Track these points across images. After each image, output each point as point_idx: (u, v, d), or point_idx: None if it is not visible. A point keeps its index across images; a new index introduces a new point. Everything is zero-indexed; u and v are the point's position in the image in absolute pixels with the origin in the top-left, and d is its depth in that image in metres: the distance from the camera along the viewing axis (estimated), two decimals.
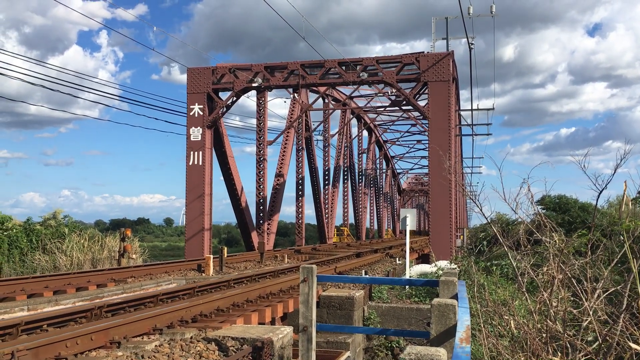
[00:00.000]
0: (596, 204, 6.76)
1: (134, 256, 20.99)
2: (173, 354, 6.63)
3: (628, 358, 5.53)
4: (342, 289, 12.72)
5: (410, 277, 15.98)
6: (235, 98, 26.73)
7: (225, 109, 26.83)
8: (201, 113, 26.02)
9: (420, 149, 59.87)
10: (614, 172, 6.26)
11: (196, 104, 26.10)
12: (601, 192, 6.24)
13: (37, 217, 30.67)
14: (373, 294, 13.67)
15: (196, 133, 25.88)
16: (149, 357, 6.34)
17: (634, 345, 5.14)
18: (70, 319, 8.18)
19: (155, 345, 6.89)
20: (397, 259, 22.60)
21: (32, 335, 6.91)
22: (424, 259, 26.13)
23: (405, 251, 16.55)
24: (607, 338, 5.75)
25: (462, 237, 35.32)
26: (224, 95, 26.83)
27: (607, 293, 6.28)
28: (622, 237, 6.30)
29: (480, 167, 74.19)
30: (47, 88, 21.02)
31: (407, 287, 13.93)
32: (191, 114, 26.12)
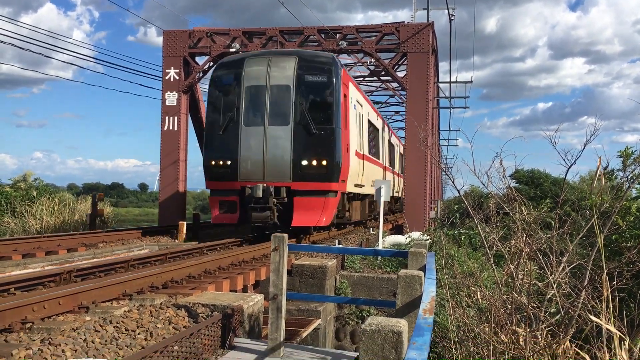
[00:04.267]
0: (564, 178, 6.86)
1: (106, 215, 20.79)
2: (142, 319, 6.62)
3: (588, 330, 5.69)
4: (315, 258, 12.81)
5: (383, 247, 16.13)
6: (212, 63, 26.25)
7: (202, 74, 26.39)
8: (177, 77, 25.56)
9: (398, 120, 59.85)
10: (584, 147, 6.34)
11: (172, 67, 25.61)
12: (570, 167, 6.33)
13: (6, 179, 30.10)
14: (346, 264, 13.79)
15: (172, 98, 25.46)
16: (117, 322, 6.32)
17: (594, 318, 5.28)
18: (38, 282, 8.11)
19: (124, 311, 6.88)
20: (371, 229, 22.79)
21: None
22: (397, 229, 26.39)
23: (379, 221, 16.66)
24: (569, 311, 5.90)
25: (436, 208, 35.72)
26: (201, 60, 26.35)
27: (571, 267, 6.42)
28: (588, 212, 6.42)
29: (456, 139, 74.64)
30: (17, 47, 20.40)
31: (379, 257, 14.08)
32: (167, 78, 25.64)
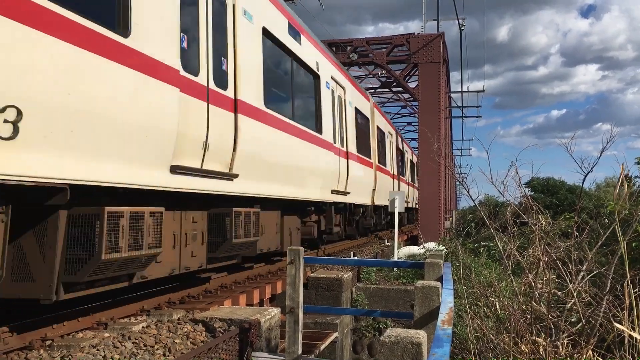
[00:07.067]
0: (582, 186, 6.81)
1: None
2: (160, 335, 6.63)
3: (611, 339, 5.60)
4: (330, 270, 12.77)
5: (398, 258, 16.06)
6: None
7: None
8: None
9: (410, 131, 59.81)
10: (600, 154, 6.30)
11: None
12: (587, 175, 6.28)
13: None
14: (361, 276, 13.73)
15: None
16: (135, 338, 6.33)
17: (617, 325, 5.19)
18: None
19: (142, 327, 6.89)
20: (386, 240, 22.70)
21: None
22: (412, 240, 26.27)
23: (394, 233, 16.60)
24: (590, 319, 5.82)
25: (450, 219, 35.53)
26: None
27: (591, 275, 6.34)
28: (607, 220, 6.35)
29: (470, 149, 74.44)
30: None
31: (394, 268, 14.01)
32: None
